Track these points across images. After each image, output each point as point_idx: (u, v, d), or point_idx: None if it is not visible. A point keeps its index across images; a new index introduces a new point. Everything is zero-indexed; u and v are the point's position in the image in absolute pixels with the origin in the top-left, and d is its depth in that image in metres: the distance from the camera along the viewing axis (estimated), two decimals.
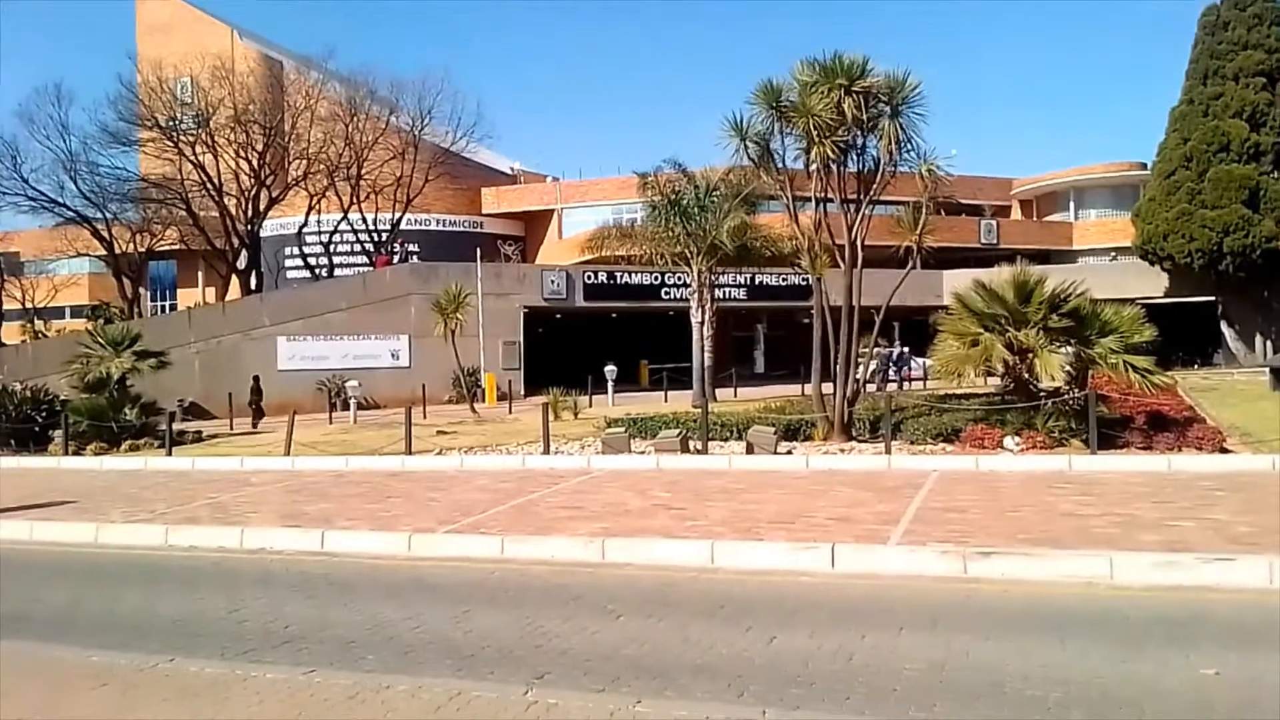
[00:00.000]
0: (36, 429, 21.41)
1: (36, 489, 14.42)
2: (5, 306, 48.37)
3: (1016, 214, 55.95)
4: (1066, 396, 15.29)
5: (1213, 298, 37.61)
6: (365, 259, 45.48)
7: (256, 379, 27.61)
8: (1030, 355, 14.99)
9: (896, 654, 5.68)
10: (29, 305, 50.17)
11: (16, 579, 9.31)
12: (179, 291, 55.52)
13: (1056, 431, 14.53)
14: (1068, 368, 15.52)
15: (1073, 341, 15.35)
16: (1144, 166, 44.39)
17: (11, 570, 9.74)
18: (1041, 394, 15.53)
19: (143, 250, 47.57)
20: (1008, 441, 14.39)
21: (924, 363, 27.47)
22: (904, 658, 5.60)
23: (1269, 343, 36.56)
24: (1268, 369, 25.34)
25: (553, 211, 54.20)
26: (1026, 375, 15.46)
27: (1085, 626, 6.18)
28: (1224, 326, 37.98)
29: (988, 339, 15.20)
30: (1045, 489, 10.96)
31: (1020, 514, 9.44)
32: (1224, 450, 13.81)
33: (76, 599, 8.22)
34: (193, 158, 42.00)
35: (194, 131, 42.59)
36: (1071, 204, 53.81)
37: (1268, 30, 35.95)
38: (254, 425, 26.00)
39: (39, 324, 49.70)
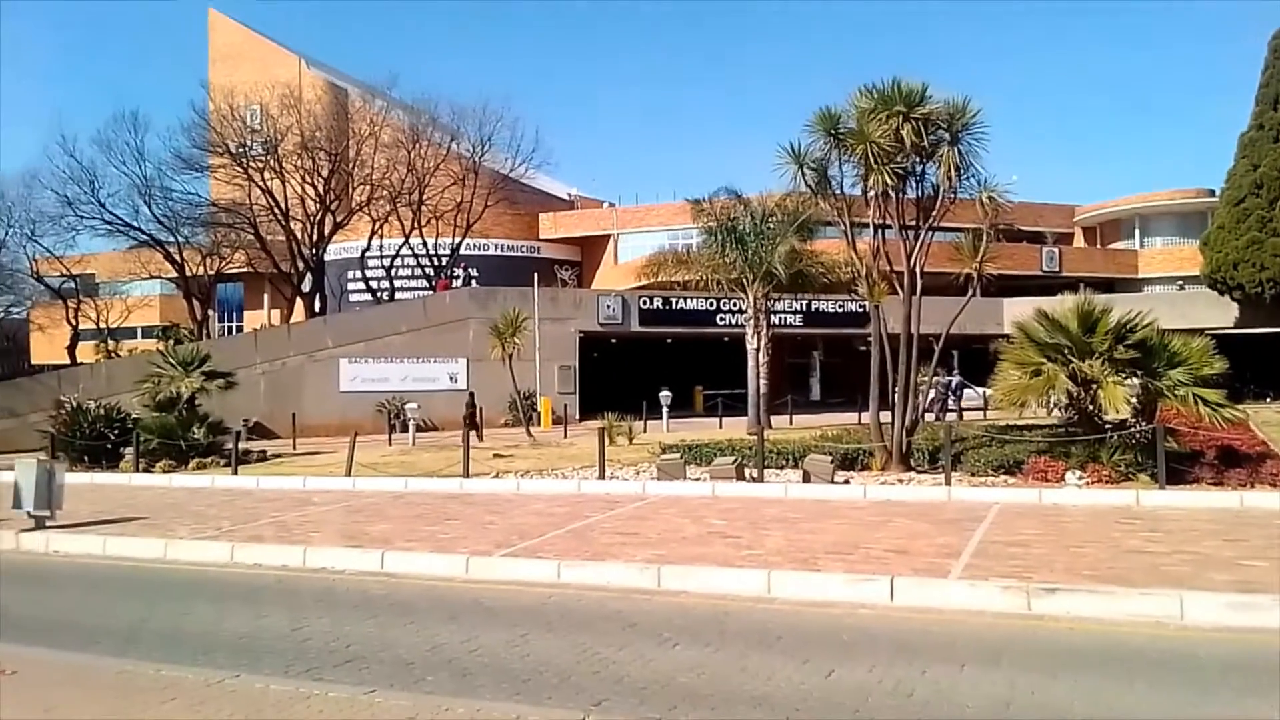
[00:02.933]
0: (109, 446, 22.04)
1: (109, 504, 14.87)
2: (80, 326, 49.96)
3: (1079, 241, 54.93)
4: (1133, 429, 14.93)
5: None
6: (425, 283, 46.22)
7: (472, 395, 28.62)
8: (1095, 386, 14.68)
9: (958, 691, 5.59)
10: (103, 325, 51.78)
11: (90, 592, 9.62)
12: (246, 313, 56.97)
13: (1123, 465, 14.18)
14: (1134, 400, 15.15)
15: (1139, 373, 14.99)
16: (1212, 193, 43.35)
17: (85, 584, 10.08)
18: (1107, 426, 15.18)
19: (212, 273, 48.93)
20: (1071, 475, 14.09)
21: (983, 392, 27.02)
22: (966, 695, 5.51)
23: None
24: None
25: (609, 237, 54.59)
26: (1091, 407, 15.13)
27: (1154, 668, 6.03)
28: None
29: (1050, 369, 14.92)
30: (1111, 524, 10.71)
31: (1086, 550, 9.23)
32: None
33: (146, 613, 8.45)
34: (261, 183, 43.19)
35: (262, 158, 43.83)
36: (1136, 231, 52.68)
37: None
38: (479, 438, 26.30)
39: (112, 344, 51.25)
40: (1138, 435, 14.73)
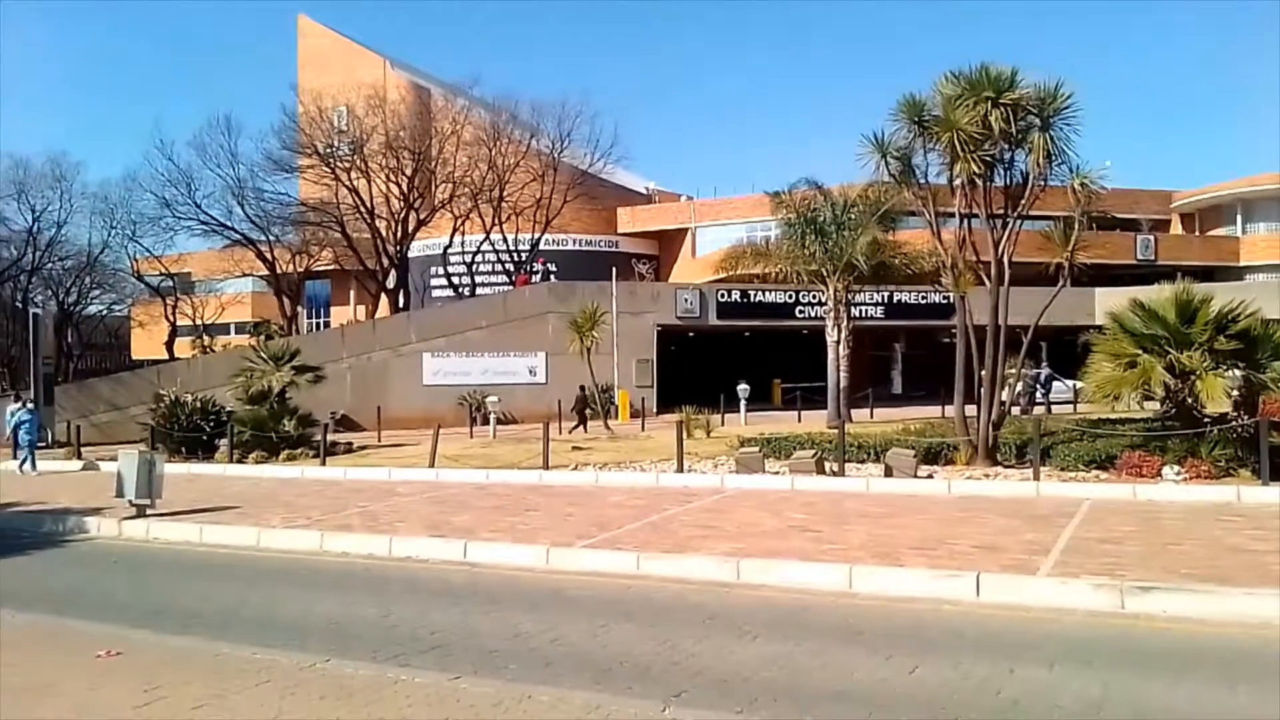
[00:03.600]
0: (205, 438, 22.92)
1: (205, 494, 15.45)
2: (178, 323, 52.00)
3: (1176, 228, 52.80)
4: (1234, 423, 14.30)
5: None
6: (505, 278, 46.85)
7: (582, 388, 28.90)
8: (1193, 378, 14.10)
9: (1048, 690, 5.44)
10: (199, 322, 53.79)
11: (188, 578, 10.01)
12: (332, 309, 58.52)
13: (1223, 461, 13.60)
14: (1235, 392, 14.52)
15: (1241, 365, 14.35)
16: None
17: (183, 569, 10.49)
18: (1206, 420, 14.58)
19: (301, 270, 50.40)
20: (1167, 471, 13.56)
21: (1072, 385, 26.20)
22: (1057, 694, 5.35)
23: None
24: None
25: (686, 230, 54.50)
26: (1189, 400, 14.55)
27: (1260, 671, 5.76)
28: None
29: (1146, 360, 14.38)
30: (1211, 521, 10.28)
31: (1183, 547, 8.89)
32: None
33: (241, 599, 8.75)
34: (348, 183, 44.32)
35: (349, 158, 44.97)
36: (1238, 217, 50.39)
37: None
38: (584, 429, 27.28)
39: (207, 339, 53.21)
40: (1239, 429, 14.12)
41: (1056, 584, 7.58)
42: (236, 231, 46.39)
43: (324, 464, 19.74)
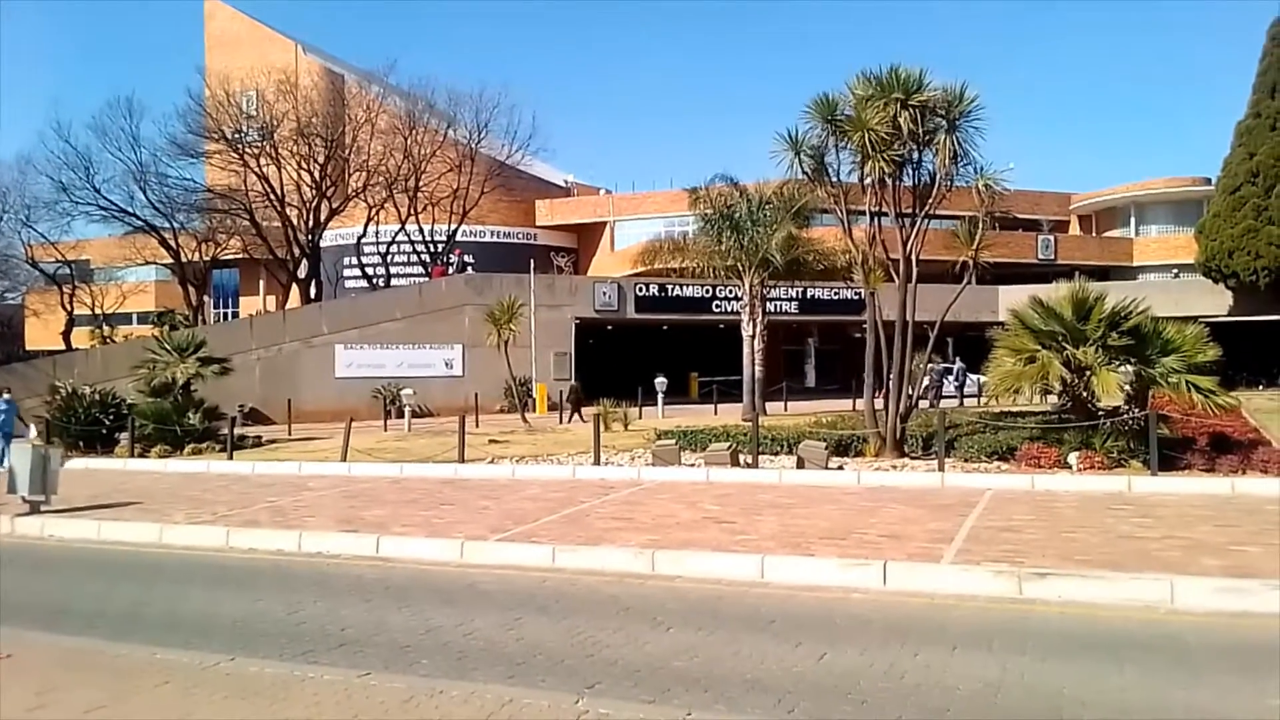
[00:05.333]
0: (104, 431, 22.03)
1: (104, 490, 14.89)
2: (76, 312, 49.83)
3: (1075, 229, 54.93)
4: (1126, 416, 14.99)
5: (1278, 317, 36.54)
6: (421, 269, 46.14)
7: (575, 384, 29.38)
8: (1088, 373, 14.72)
9: (949, 674, 5.63)
10: (98, 311, 51.66)
11: (85, 577, 9.64)
12: (241, 299, 56.85)
13: (1115, 452, 14.23)
14: (1127, 387, 15.20)
15: (1133, 360, 15.03)
16: (1207, 182, 43.35)
17: (80, 568, 10.10)
18: (1100, 413, 15.24)
19: (207, 259, 48.77)
20: (1071, 458, 14.14)
21: (978, 379, 27.15)
22: (957, 678, 5.55)
23: None
24: None
25: (605, 224, 54.50)
26: (1084, 394, 15.18)
27: (1144, 652, 6.07)
28: None
29: (1045, 356, 14.95)
30: (1103, 510, 10.76)
31: (1077, 535, 9.29)
32: None
33: (142, 598, 8.47)
34: (257, 169, 43.03)
35: (258, 144, 43.62)
36: (1132, 219, 52.68)
37: None
38: (580, 418, 27.40)
39: (107, 330, 51.14)
40: (1131, 422, 14.79)
41: (959, 571, 7.85)
42: (138, 218, 44.60)
43: (231, 458, 19.20)
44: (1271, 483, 12.42)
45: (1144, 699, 5.16)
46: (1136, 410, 15.02)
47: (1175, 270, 46.41)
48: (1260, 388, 32.72)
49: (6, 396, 21.09)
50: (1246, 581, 7.11)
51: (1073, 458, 14.14)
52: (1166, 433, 14.82)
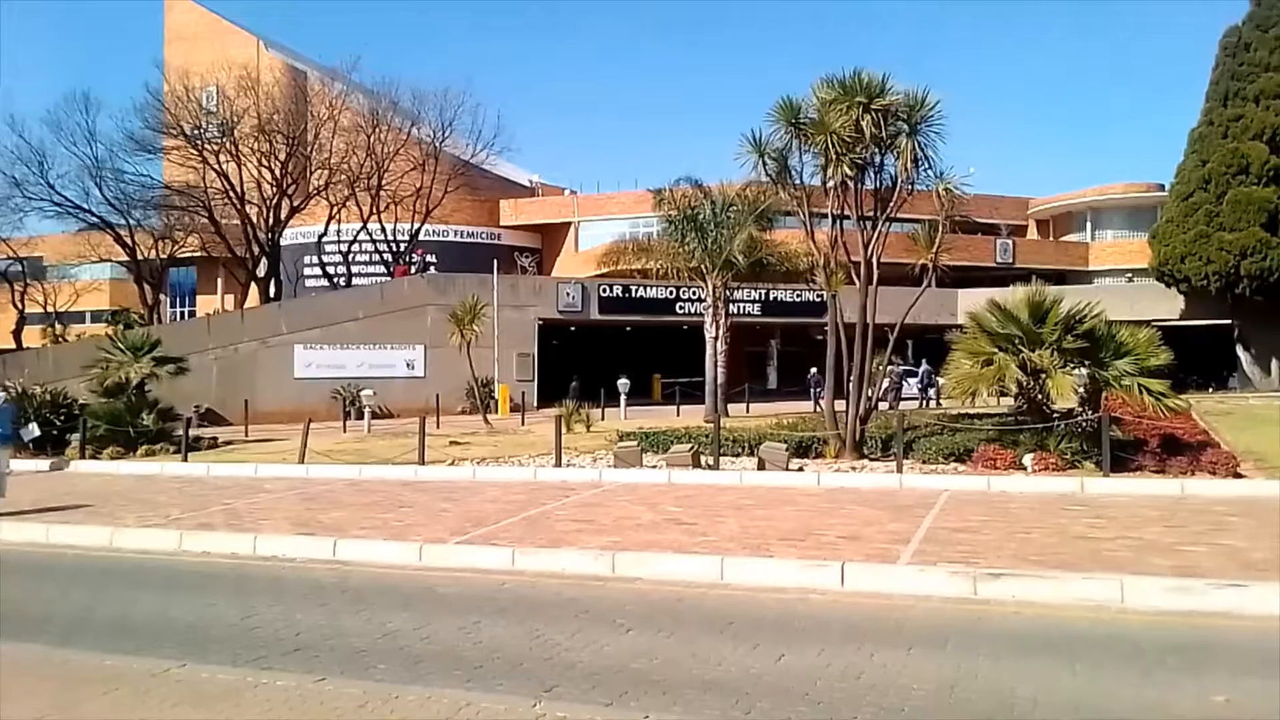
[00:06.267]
0: (55, 432, 21.56)
1: (54, 492, 14.59)
2: (27, 310, 48.79)
3: (1033, 233, 55.77)
4: (1080, 418, 15.23)
5: (1229, 321, 37.38)
6: (383, 269, 45.77)
7: (575, 378, 29.75)
8: (1044, 376, 14.95)
9: (905, 674, 5.68)
10: (50, 309, 50.64)
11: (33, 581, 9.42)
12: (199, 298, 56.02)
13: (1069, 453, 14.46)
14: (1081, 389, 15.46)
15: (1087, 363, 15.29)
16: (1162, 188, 44.26)
17: (28, 572, 9.87)
18: (1055, 415, 15.47)
19: (164, 257, 48.02)
20: (1027, 459, 14.34)
21: (938, 381, 27.49)
22: (913, 678, 5.60)
23: None
24: None
25: (569, 224, 54.41)
26: (1040, 396, 15.42)
27: (1095, 650, 6.17)
28: (1240, 350, 37.73)
29: (1001, 359, 15.16)
30: (1057, 511, 10.92)
31: (1031, 535, 9.42)
32: (1238, 475, 13.69)
33: (91, 602, 8.30)
34: (216, 166, 42.44)
35: (218, 140, 43.05)
36: (1088, 224, 53.60)
37: None
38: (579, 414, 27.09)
39: (60, 328, 50.14)
40: (1084, 424, 15.04)
41: (916, 572, 7.93)
42: (94, 214, 43.83)
43: (186, 460, 18.90)
44: (1220, 484, 12.71)
45: (1094, 697, 5.24)
46: (1090, 412, 15.28)
47: (1130, 275, 47.30)
48: (1210, 390, 33.49)
49: (2, 396, 20.15)
50: (1194, 581, 7.25)
51: (1028, 459, 14.35)
52: (1119, 434, 15.08)
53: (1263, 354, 37.24)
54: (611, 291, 36.23)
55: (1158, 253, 37.45)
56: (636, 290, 36.22)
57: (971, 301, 18.79)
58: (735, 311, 32.52)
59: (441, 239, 50.24)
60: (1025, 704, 5.14)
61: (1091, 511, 10.84)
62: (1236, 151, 35.21)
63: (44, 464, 19.40)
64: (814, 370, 31.61)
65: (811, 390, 31.43)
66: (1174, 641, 6.32)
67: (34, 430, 17.84)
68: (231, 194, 42.50)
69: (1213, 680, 5.46)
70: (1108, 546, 8.74)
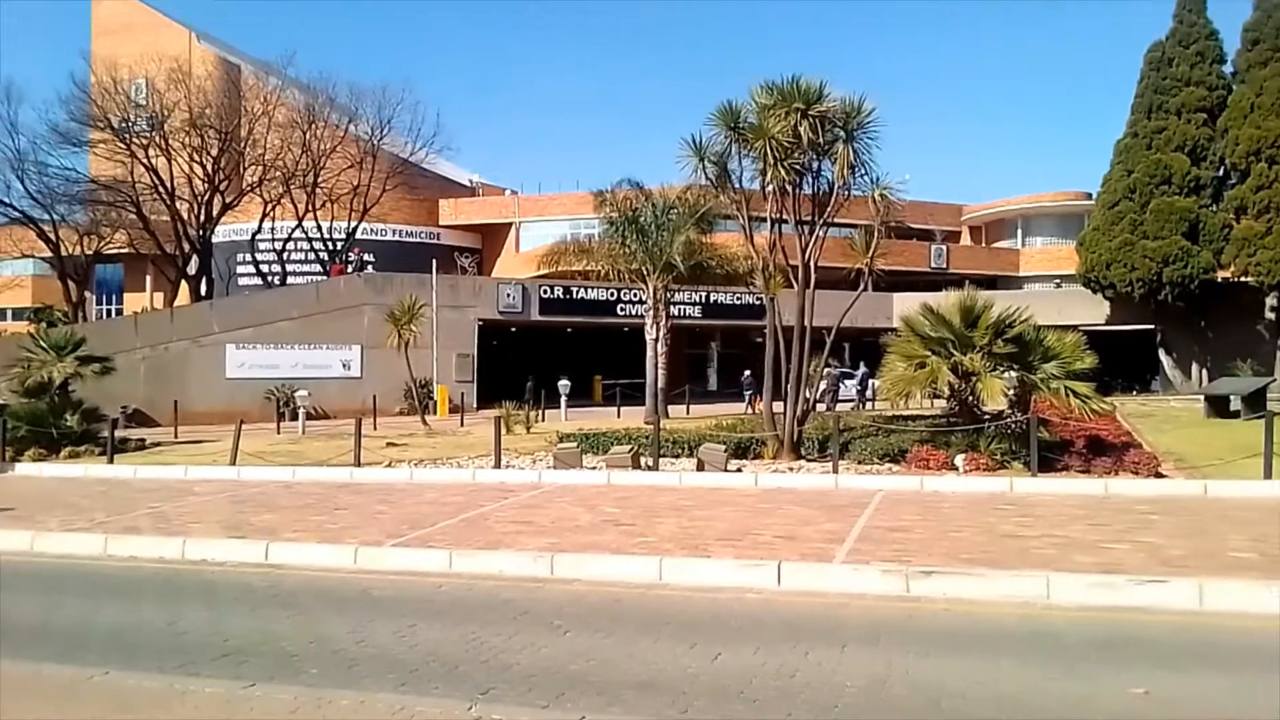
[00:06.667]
0: None
1: None
2: None
3: (966, 240, 56.99)
4: (1009, 420, 15.61)
5: (1152, 326, 38.67)
6: (319, 268, 44.98)
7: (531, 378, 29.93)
8: (975, 379, 15.29)
9: (839, 671, 5.77)
10: None
11: None
12: (126, 296, 54.42)
13: (999, 454, 14.81)
14: (1011, 392, 15.84)
15: (1016, 366, 15.68)
16: (1090, 197, 45.59)
17: None
18: (985, 417, 15.83)
19: (90, 253, 46.56)
20: (959, 460, 14.65)
21: (873, 384, 27.96)
22: (846, 675, 5.69)
23: (1204, 371, 37.66)
24: (1202, 397, 26.10)
25: (510, 225, 54.11)
26: (971, 398, 15.77)
27: (1021, 645, 6.34)
28: (1162, 354, 39.06)
29: (934, 362, 15.47)
30: (987, 510, 11.18)
31: (962, 534, 9.63)
32: (1159, 475, 14.18)
33: (10, 609, 8.00)
34: (145, 160, 41.24)
35: (147, 134, 41.85)
36: (1019, 231, 54.96)
37: (1209, 68, 37.22)
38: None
39: None
40: (1013, 425, 15.41)
41: (850, 571, 8.05)
42: (15, 208, 42.29)
43: (112, 462, 18.36)
44: (1142, 483, 13.14)
45: (1020, 691, 5.39)
46: (1019, 414, 15.67)
47: (1058, 281, 48.62)
48: (1134, 393, 34.59)
49: None
50: (1116, 577, 7.48)
51: (959, 460, 14.66)
52: (1047, 436, 15.50)
53: (1183, 358, 38.60)
54: (552, 293, 36.13)
55: (1085, 260, 38.57)
56: (577, 292, 36.17)
57: (906, 305, 19.18)
58: (676, 314, 32.68)
59: (379, 238, 49.58)
60: (954, 699, 5.26)
61: (1020, 510, 11.12)
62: (1160, 162, 36.46)
63: None
64: (747, 373, 32.06)
65: (744, 392, 31.81)
66: (1097, 636, 6.51)
67: None
68: (161, 189, 41.36)
69: (1134, 673, 5.64)
70: (1035, 544, 8.98)
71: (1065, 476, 13.91)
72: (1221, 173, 36.99)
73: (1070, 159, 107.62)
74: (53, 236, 42.68)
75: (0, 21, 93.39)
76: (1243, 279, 35.64)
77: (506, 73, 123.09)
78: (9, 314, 53.76)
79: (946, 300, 16.30)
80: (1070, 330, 17.13)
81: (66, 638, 6.97)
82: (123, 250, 47.20)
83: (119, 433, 20.52)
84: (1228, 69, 37.36)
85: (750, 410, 28.92)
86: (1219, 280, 36.37)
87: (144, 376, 30.19)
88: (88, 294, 49.66)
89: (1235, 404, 23.29)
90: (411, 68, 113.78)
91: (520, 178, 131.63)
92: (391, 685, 5.65)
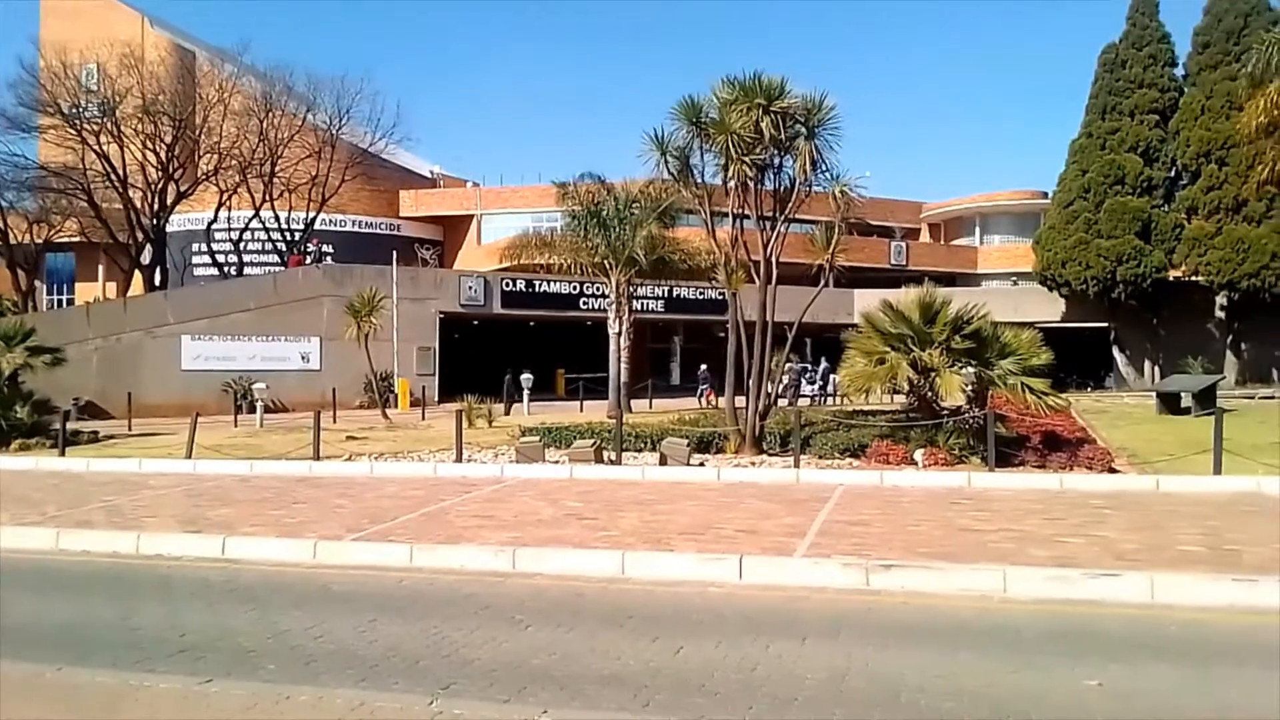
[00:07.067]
0: None
1: None
2: None
3: (925, 237, 57.67)
4: (967, 415, 15.82)
5: (1106, 324, 39.40)
6: (277, 258, 44.38)
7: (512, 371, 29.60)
8: (934, 374, 15.47)
9: (800, 664, 5.82)
10: None
11: None
12: (78, 285, 53.25)
13: (957, 449, 15.01)
14: (969, 387, 16.04)
15: (974, 362, 15.88)
16: (1046, 195, 46.32)
17: None
18: (944, 412, 16.03)
19: (40, 241, 45.54)
20: (918, 455, 14.81)
21: (834, 379, 28.20)
22: (806, 668, 5.73)
23: (1157, 368, 38.48)
24: (1154, 393, 26.66)
25: (472, 217, 53.77)
26: (930, 394, 15.95)
27: (979, 638, 6.43)
28: (1116, 351, 39.83)
29: (894, 358, 15.63)
30: (945, 504, 11.32)
31: (921, 528, 9.74)
32: (1112, 470, 14.47)
33: None
34: (96, 147, 40.37)
35: (99, 120, 40.96)
36: (977, 229, 55.70)
37: (1161, 70, 37.95)
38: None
39: None
40: (971, 421, 15.62)
41: (810, 564, 8.11)
42: None
43: (63, 454, 17.97)
44: (1096, 478, 13.37)
45: (976, 682, 5.46)
46: (977, 410, 15.87)
47: (1015, 278, 49.35)
48: (1089, 390, 35.21)
49: None
50: (1070, 571, 7.61)
51: (919, 454, 14.84)
52: (1004, 431, 15.73)
53: (1136, 355, 39.40)
54: (515, 286, 35.98)
55: (1041, 258, 39.19)
56: (540, 285, 36.05)
57: (867, 302, 19.36)
58: (639, 308, 32.70)
59: (338, 229, 49.02)
60: (912, 691, 5.32)
61: (977, 505, 11.27)
62: (1113, 163, 37.13)
63: None
64: (704, 367, 32.24)
65: (699, 387, 32.07)
66: (1053, 629, 6.62)
67: None
68: (113, 176, 40.53)
69: (1088, 666, 5.75)
70: (992, 538, 9.11)
71: (1022, 471, 14.12)
72: (1173, 173, 37.79)
73: (1027, 158, 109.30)
74: (1, 224, 41.67)
75: None
76: (1194, 278, 36.46)
77: (468, 63, 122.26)
78: None
79: (906, 297, 16.46)
80: (1027, 327, 17.38)
81: (18, 633, 6.81)
82: (74, 239, 46.25)
83: (71, 425, 20.12)
84: (1179, 72, 38.16)
85: (704, 404, 29.13)
86: (1171, 279, 37.14)
87: (96, 368, 29.60)
88: (38, 283, 48.58)
89: (1186, 400, 23.82)
90: (370, 58, 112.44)
91: (482, 170, 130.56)
92: (351, 681, 5.60)
